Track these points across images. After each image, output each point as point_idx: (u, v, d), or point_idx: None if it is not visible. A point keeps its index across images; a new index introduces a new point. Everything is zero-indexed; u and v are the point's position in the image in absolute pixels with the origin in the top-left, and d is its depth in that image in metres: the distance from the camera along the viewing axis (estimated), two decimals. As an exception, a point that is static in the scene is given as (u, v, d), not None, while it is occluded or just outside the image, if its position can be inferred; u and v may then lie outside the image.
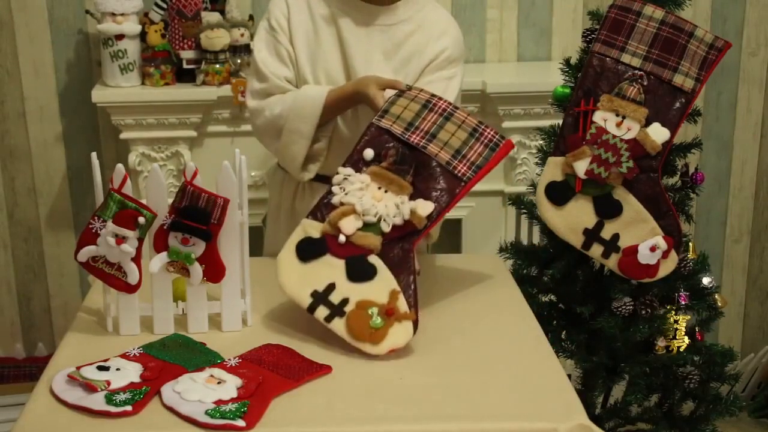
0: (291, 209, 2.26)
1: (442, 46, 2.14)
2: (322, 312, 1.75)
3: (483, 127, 1.87)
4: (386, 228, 1.80)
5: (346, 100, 2.06)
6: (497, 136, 1.86)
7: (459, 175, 1.83)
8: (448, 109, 1.88)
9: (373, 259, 1.79)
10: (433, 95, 1.92)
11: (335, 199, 1.83)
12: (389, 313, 1.72)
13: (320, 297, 1.76)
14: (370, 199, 1.81)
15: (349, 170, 1.85)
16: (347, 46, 2.12)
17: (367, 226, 1.81)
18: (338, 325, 1.73)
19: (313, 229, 1.83)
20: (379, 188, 1.83)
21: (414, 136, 1.86)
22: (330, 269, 1.79)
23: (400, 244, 1.81)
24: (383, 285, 1.77)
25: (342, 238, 1.80)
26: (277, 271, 1.81)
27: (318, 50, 2.13)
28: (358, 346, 1.71)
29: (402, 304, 1.74)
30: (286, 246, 1.84)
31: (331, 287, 1.77)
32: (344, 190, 1.83)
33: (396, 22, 2.13)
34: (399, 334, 1.72)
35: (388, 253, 1.80)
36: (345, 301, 1.75)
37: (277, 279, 1.80)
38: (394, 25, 2.13)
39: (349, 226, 1.80)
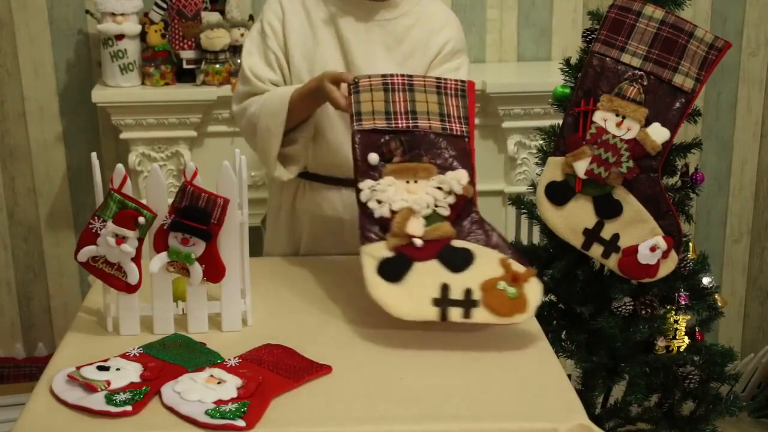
0: (291, 209, 2.26)
1: (445, 38, 2.15)
2: (456, 313, 1.70)
3: (443, 80, 1.91)
4: (445, 212, 1.81)
5: (310, 96, 2.03)
6: (459, 83, 1.91)
7: (458, 134, 1.86)
8: (406, 81, 1.89)
9: (458, 243, 1.78)
10: (383, 75, 1.91)
11: (380, 212, 1.80)
12: (516, 279, 1.73)
13: (444, 301, 1.71)
14: (410, 195, 1.81)
15: (368, 182, 1.83)
16: (347, 43, 2.11)
17: (427, 220, 1.80)
18: (480, 315, 1.70)
19: (380, 250, 1.78)
20: (407, 182, 1.82)
21: (399, 122, 1.86)
22: (430, 274, 1.75)
23: (468, 219, 1.81)
24: (489, 260, 1.76)
25: (419, 242, 1.77)
26: (389, 308, 1.71)
27: (316, 50, 2.12)
28: (511, 321, 1.71)
29: (518, 267, 1.75)
30: (370, 283, 1.73)
31: (446, 288, 1.72)
32: (381, 202, 1.80)
33: (395, 16, 2.14)
34: (534, 292, 1.74)
35: (462, 233, 1.80)
36: (469, 292, 1.72)
37: (395, 315, 1.71)
38: (393, 20, 2.13)
39: (416, 227, 1.78)
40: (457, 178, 1.83)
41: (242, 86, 2.14)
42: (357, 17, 2.12)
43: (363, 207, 1.82)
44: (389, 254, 1.77)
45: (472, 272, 1.75)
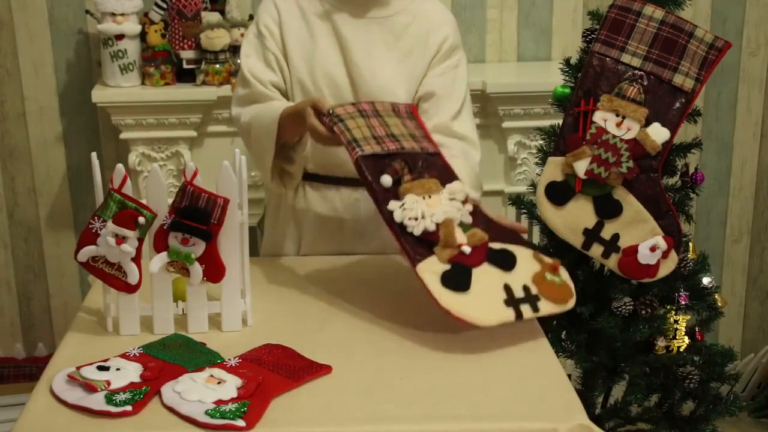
0: (291, 209, 2.25)
1: (443, 35, 2.15)
2: (526, 309, 1.76)
3: (395, 105, 1.97)
4: (469, 220, 1.84)
5: (297, 116, 1.96)
6: (405, 105, 1.99)
7: (433, 151, 1.92)
8: (372, 107, 1.92)
9: (496, 245, 1.83)
10: (353, 103, 1.94)
11: (422, 227, 1.78)
12: (555, 269, 1.84)
13: (512, 301, 1.76)
14: (434, 209, 1.82)
15: (394, 203, 1.81)
16: (346, 41, 2.11)
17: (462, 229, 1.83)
18: (545, 307, 1.78)
19: (435, 264, 1.77)
20: (424, 197, 1.83)
21: (388, 145, 1.87)
22: (489, 277, 1.77)
23: (484, 224, 1.86)
24: (526, 256, 1.84)
25: (467, 249, 1.79)
26: (470, 318, 1.70)
27: (315, 50, 2.12)
28: (568, 307, 1.81)
29: (546, 258, 1.86)
30: (443, 297, 1.71)
31: (508, 288, 1.77)
32: (417, 218, 1.79)
33: (392, 13, 2.14)
34: (568, 278, 1.86)
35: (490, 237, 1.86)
36: (527, 288, 1.78)
37: (478, 324, 1.71)
38: (390, 17, 2.14)
39: (462, 236, 1.81)
40: (463, 189, 1.87)
41: (242, 89, 2.14)
42: (353, 14, 2.12)
43: (399, 228, 1.79)
44: (446, 266, 1.77)
45: (521, 269, 1.81)
